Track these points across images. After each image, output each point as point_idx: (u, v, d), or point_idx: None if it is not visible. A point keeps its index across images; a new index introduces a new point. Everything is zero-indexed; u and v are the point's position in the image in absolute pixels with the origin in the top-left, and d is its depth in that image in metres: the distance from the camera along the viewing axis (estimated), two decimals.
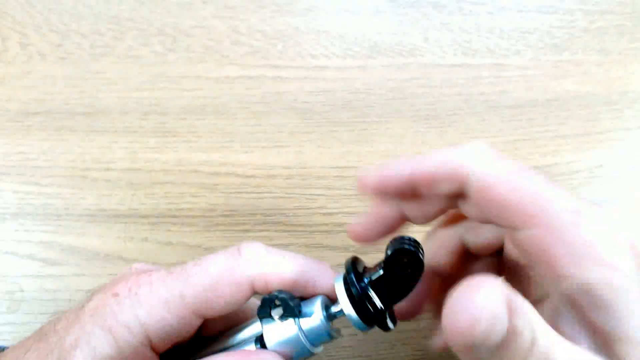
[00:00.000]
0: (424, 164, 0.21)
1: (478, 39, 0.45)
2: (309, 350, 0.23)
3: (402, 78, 0.43)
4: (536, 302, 0.18)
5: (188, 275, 0.22)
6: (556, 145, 0.42)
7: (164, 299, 0.22)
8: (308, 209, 0.38)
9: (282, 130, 0.40)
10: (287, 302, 0.22)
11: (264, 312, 0.22)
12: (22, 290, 0.35)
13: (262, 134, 0.40)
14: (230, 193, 0.38)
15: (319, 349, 0.23)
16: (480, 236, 0.24)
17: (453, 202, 0.22)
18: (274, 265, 0.23)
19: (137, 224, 0.37)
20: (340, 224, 0.38)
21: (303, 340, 0.22)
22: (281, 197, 0.38)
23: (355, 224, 0.24)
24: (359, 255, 0.24)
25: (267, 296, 0.22)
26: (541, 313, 0.17)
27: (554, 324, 0.18)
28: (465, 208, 0.21)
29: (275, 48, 0.43)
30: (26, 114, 0.40)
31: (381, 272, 0.22)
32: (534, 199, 0.19)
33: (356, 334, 0.35)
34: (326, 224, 0.38)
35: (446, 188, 0.21)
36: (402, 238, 0.22)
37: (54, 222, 0.36)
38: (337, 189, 0.39)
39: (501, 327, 0.15)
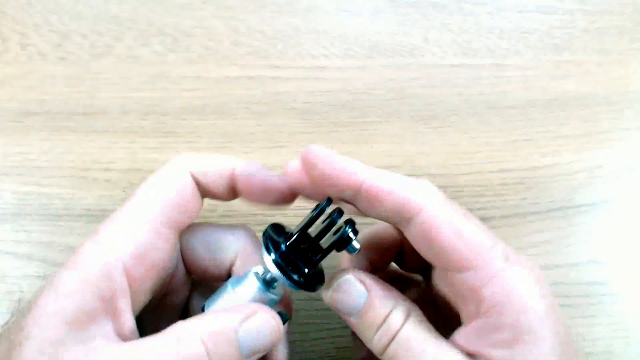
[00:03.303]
0: (376, 180, 0.22)
1: (478, 39, 0.45)
2: None
3: (402, 78, 0.43)
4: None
5: (134, 194, 0.23)
6: (556, 145, 0.42)
7: (122, 220, 0.22)
8: (308, 209, 0.38)
9: (282, 130, 0.40)
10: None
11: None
12: (21, 291, 0.35)
13: (262, 134, 0.40)
14: None
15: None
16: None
17: (392, 221, 0.23)
18: (205, 157, 0.24)
19: None
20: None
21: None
22: None
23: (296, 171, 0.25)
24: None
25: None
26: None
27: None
28: (407, 234, 0.23)
29: (275, 48, 0.43)
30: (26, 114, 0.40)
31: (298, 230, 0.23)
32: (471, 246, 0.21)
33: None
34: None
35: (389, 214, 0.22)
36: (324, 202, 0.23)
37: (54, 222, 0.36)
38: None
39: (359, 298, 0.23)
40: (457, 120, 0.42)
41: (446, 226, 0.21)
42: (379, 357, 0.22)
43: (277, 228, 0.25)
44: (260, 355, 0.21)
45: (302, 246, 0.23)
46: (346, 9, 0.45)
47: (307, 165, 0.23)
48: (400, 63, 0.44)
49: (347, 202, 0.23)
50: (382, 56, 0.44)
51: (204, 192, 0.25)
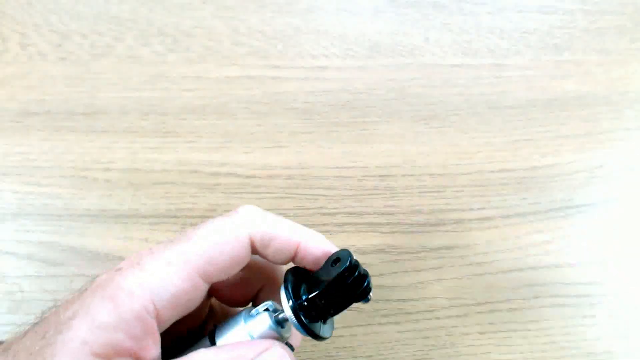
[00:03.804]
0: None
1: (478, 39, 0.45)
2: None
3: (402, 78, 0.43)
4: None
5: (189, 237, 0.23)
6: (556, 145, 0.42)
7: (165, 261, 0.22)
8: (308, 209, 0.38)
9: (282, 130, 0.40)
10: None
11: None
12: (22, 291, 0.35)
13: (262, 134, 0.40)
14: (231, 193, 0.38)
15: None
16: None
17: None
18: (270, 222, 0.24)
19: (137, 224, 0.37)
20: (341, 224, 0.38)
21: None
22: (281, 198, 0.38)
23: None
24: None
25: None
26: None
27: None
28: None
29: (275, 48, 0.43)
30: (26, 114, 0.40)
31: (322, 288, 0.23)
32: None
33: (356, 335, 0.35)
34: (326, 224, 0.38)
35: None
36: (348, 260, 0.23)
37: (54, 222, 0.36)
38: (337, 189, 0.39)
39: None
40: (457, 120, 0.42)
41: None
42: None
43: (298, 271, 0.25)
44: None
45: (322, 301, 0.23)
46: (346, 9, 0.45)
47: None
48: (401, 63, 0.44)
49: None
50: (382, 56, 0.44)
51: (256, 253, 0.24)
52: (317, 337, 0.23)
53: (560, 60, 0.45)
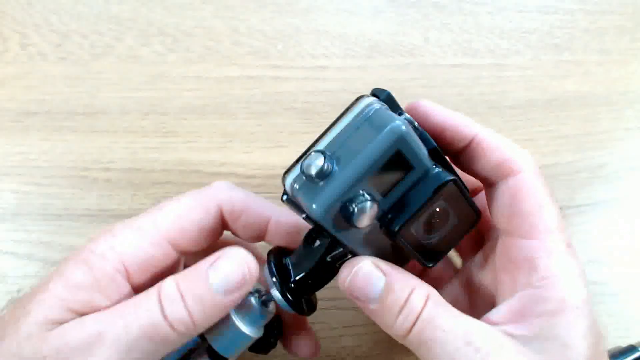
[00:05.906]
0: (488, 134, 0.26)
1: (478, 39, 0.45)
2: (244, 334, 0.24)
3: (402, 78, 0.43)
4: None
5: (160, 208, 0.23)
6: (556, 145, 0.42)
7: (137, 227, 0.22)
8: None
9: (282, 130, 0.40)
10: None
11: None
12: (22, 291, 0.35)
13: (262, 134, 0.40)
14: None
15: (256, 333, 0.24)
16: None
17: (486, 177, 0.26)
18: (241, 196, 0.25)
19: None
20: None
21: (237, 323, 0.23)
22: None
23: None
24: None
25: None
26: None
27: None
28: (492, 193, 0.25)
29: (276, 48, 0.43)
30: (26, 114, 0.39)
31: (308, 269, 0.24)
32: (546, 220, 0.22)
33: (356, 335, 0.35)
34: None
35: (488, 169, 0.25)
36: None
37: (54, 222, 0.36)
38: None
39: (377, 282, 0.21)
40: None
41: (535, 194, 0.23)
42: (402, 342, 0.22)
43: (279, 251, 0.26)
44: (236, 294, 0.22)
45: (308, 281, 0.24)
46: (346, 9, 0.45)
47: (422, 115, 0.24)
48: (400, 63, 0.44)
49: (449, 154, 0.24)
50: (382, 56, 0.44)
51: (227, 228, 0.25)
52: (305, 313, 0.24)
53: (560, 60, 0.45)
